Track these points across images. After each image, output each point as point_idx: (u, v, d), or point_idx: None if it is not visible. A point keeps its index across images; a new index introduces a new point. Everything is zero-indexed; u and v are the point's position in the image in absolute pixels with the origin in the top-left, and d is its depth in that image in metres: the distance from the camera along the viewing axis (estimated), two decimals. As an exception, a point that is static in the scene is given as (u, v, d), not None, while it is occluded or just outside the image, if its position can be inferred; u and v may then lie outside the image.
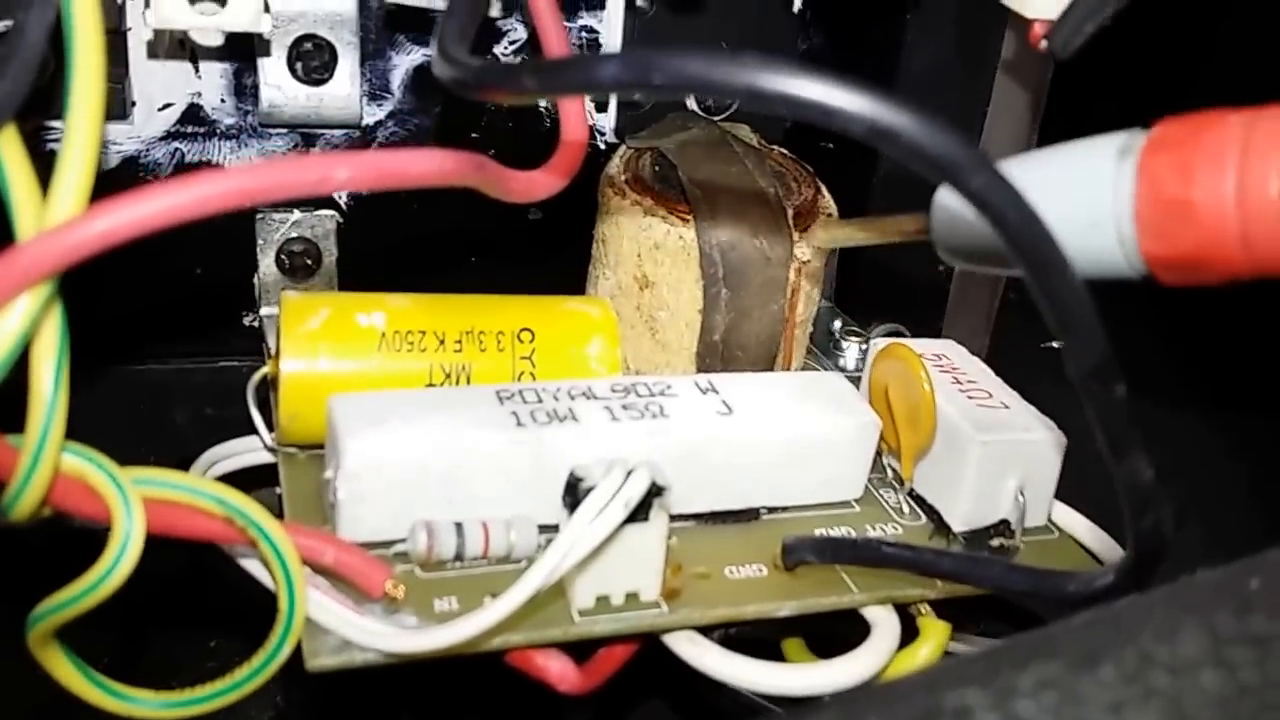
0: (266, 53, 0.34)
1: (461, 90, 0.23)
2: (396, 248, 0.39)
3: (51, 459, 0.23)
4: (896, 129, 0.17)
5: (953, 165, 0.17)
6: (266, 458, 0.32)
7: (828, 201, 0.35)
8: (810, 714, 0.18)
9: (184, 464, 0.37)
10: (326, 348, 0.30)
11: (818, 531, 0.30)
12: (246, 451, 0.33)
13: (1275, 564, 0.19)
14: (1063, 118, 0.41)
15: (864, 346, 0.37)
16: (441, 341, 0.31)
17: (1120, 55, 0.32)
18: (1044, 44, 0.25)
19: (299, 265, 0.38)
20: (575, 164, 0.28)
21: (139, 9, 0.34)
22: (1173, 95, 0.38)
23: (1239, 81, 0.36)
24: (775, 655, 0.31)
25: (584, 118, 0.28)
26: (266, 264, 0.38)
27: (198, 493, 0.25)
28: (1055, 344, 0.46)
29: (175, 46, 0.35)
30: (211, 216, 0.20)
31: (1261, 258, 0.21)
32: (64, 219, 0.21)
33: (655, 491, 0.26)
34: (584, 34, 0.38)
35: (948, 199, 0.25)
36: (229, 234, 0.37)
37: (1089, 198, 0.22)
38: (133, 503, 0.24)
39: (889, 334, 0.44)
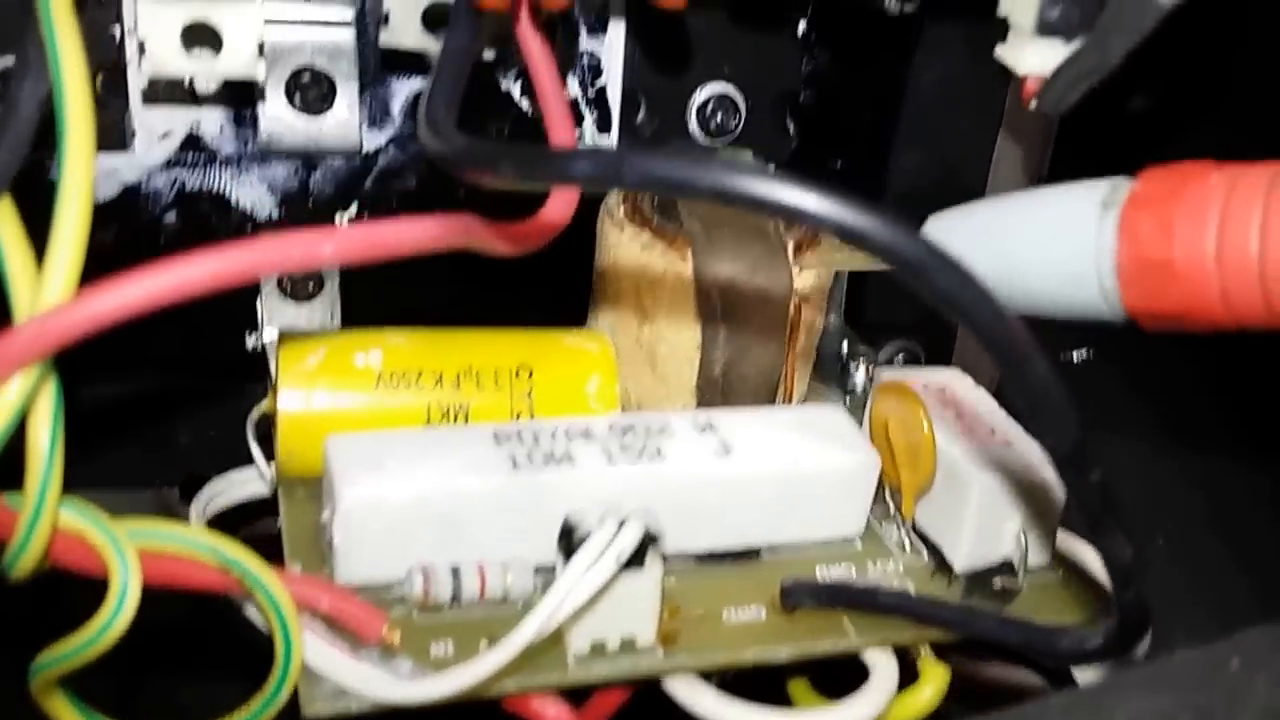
0: (263, 95, 0.34)
1: (446, 167, 0.23)
2: (399, 271, 0.39)
3: (49, 518, 0.23)
4: (863, 231, 0.18)
5: (919, 266, 0.18)
6: (267, 488, 0.33)
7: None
8: None
9: (187, 484, 0.37)
10: (323, 387, 0.30)
11: (817, 571, 0.30)
12: (249, 482, 0.33)
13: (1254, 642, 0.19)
14: (1073, 142, 0.41)
15: (872, 369, 0.36)
16: (439, 380, 0.31)
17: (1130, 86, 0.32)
18: (1034, 104, 0.24)
19: (301, 289, 0.38)
20: (570, 202, 0.28)
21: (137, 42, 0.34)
22: (1177, 133, 0.38)
23: (1246, 122, 0.36)
24: (779, 692, 0.31)
25: (573, 129, 0.28)
26: (269, 288, 0.38)
27: (193, 544, 0.26)
28: (1074, 356, 0.46)
29: (174, 87, 0.35)
30: (197, 299, 0.20)
31: (1243, 314, 0.21)
32: (55, 302, 0.21)
33: (649, 540, 0.26)
34: (586, 59, 0.38)
35: (938, 234, 0.25)
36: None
37: (1072, 250, 0.22)
38: (128, 556, 0.25)
39: (900, 351, 0.44)
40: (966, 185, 0.42)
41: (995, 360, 0.19)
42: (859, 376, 0.37)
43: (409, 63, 0.36)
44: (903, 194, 0.42)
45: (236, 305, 0.38)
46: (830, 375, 0.37)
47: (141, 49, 0.30)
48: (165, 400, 0.40)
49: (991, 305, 0.18)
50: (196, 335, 0.39)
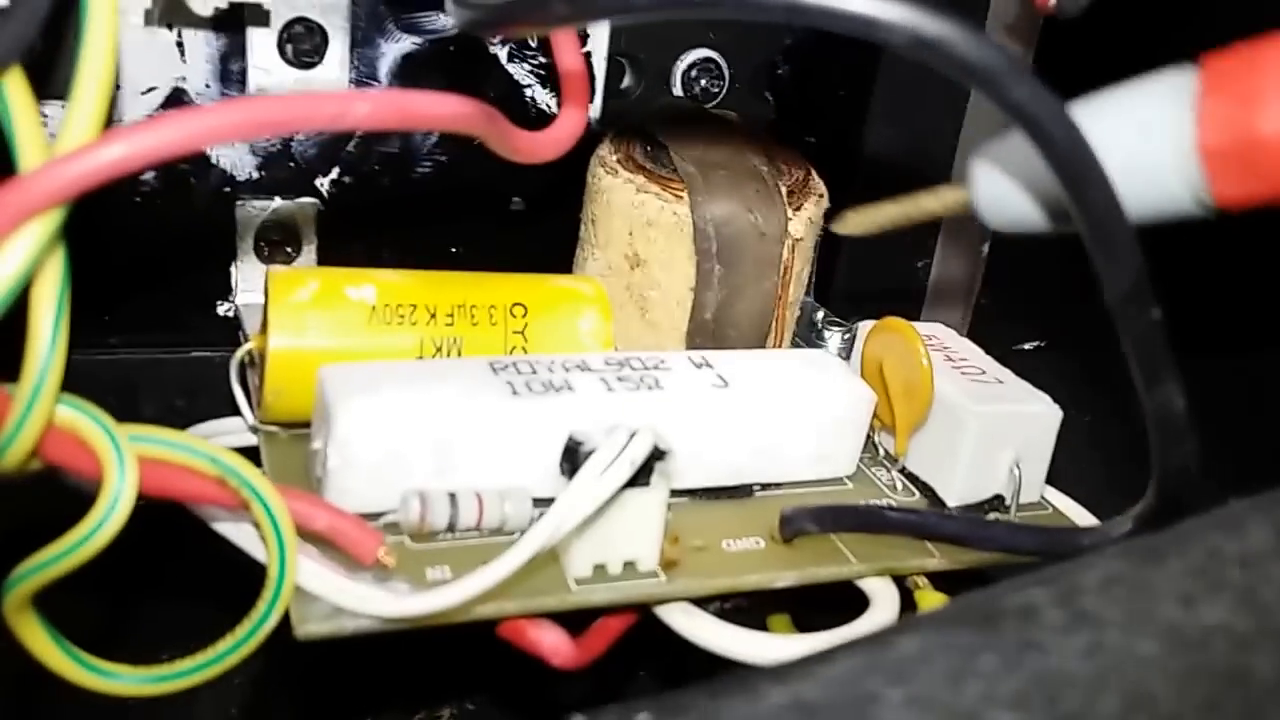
0: (263, 23, 0.34)
1: (480, 29, 0.22)
2: (377, 235, 0.39)
3: (45, 408, 0.22)
4: (938, 39, 0.17)
5: (994, 75, 0.17)
6: (245, 439, 0.32)
7: (818, 182, 0.35)
8: (878, 632, 0.18)
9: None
10: (315, 320, 0.30)
11: (815, 503, 0.30)
12: (225, 434, 0.32)
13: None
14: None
15: (847, 335, 0.37)
16: (432, 315, 0.30)
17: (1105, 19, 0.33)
18: (1051, 3, 0.25)
19: (278, 252, 0.38)
20: (583, 105, 0.28)
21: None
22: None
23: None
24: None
25: (579, 51, 0.28)
26: (245, 251, 0.37)
27: (193, 452, 0.25)
28: (1028, 346, 0.47)
29: (164, 21, 0.35)
30: (227, 142, 0.20)
31: None
32: (77, 145, 0.21)
33: (657, 455, 0.26)
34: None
35: (987, 165, 0.24)
36: (206, 221, 0.37)
37: (1151, 154, 0.21)
38: (126, 458, 0.24)
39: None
40: (936, 160, 0.43)
41: (1062, 183, 0.18)
42: (833, 343, 0.37)
43: (401, 15, 0.36)
44: (874, 167, 0.42)
45: (209, 274, 0.38)
46: (806, 343, 0.38)
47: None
48: (130, 370, 0.39)
49: (1066, 121, 0.17)
50: (166, 303, 0.38)
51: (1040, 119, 0.17)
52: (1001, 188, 0.24)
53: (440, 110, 0.22)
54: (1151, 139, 0.21)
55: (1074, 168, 0.18)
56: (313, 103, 0.21)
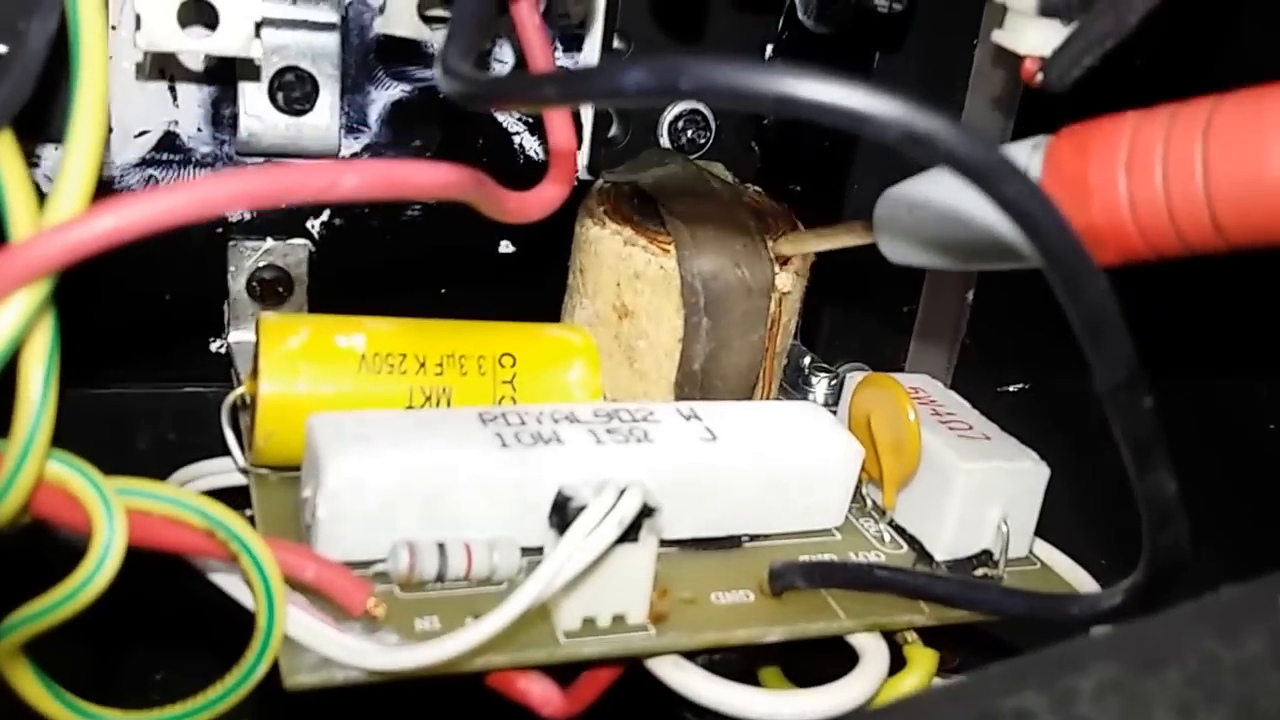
0: (254, 76, 0.34)
1: (470, 103, 0.23)
2: (368, 278, 0.39)
3: (36, 465, 0.23)
4: (931, 136, 0.17)
5: (987, 172, 0.17)
6: (236, 480, 0.32)
7: (805, 236, 0.35)
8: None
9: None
10: (305, 368, 0.30)
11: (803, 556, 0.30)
12: (216, 473, 0.32)
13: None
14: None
15: (834, 382, 0.37)
16: (422, 364, 0.31)
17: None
18: (1039, 78, 0.25)
19: (270, 292, 0.38)
20: (570, 175, 0.28)
21: (120, 36, 0.34)
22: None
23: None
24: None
25: (571, 126, 0.29)
26: (237, 290, 0.38)
27: (180, 504, 0.25)
28: (1013, 388, 0.47)
29: (156, 72, 0.35)
30: (220, 215, 0.20)
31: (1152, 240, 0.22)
32: (67, 216, 0.21)
33: (646, 512, 0.26)
34: (562, 73, 0.38)
35: (891, 206, 0.25)
36: (200, 259, 0.37)
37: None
38: (115, 512, 0.24)
39: (853, 371, 0.45)
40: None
41: (1053, 277, 0.18)
42: (820, 390, 0.38)
43: (392, 65, 0.37)
44: (858, 217, 0.43)
45: (202, 311, 0.38)
46: (793, 388, 0.38)
47: (138, 22, 0.29)
48: (125, 404, 0.39)
49: (1056, 218, 0.17)
50: (160, 339, 0.39)
51: (1033, 216, 0.18)
52: (900, 227, 0.25)
53: (429, 179, 0.23)
54: None
55: (1066, 263, 0.18)
56: (302, 175, 0.21)
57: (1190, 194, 0.21)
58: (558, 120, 0.28)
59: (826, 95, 0.17)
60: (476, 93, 0.22)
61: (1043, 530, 0.32)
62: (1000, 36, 0.26)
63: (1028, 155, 0.23)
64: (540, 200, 0.27)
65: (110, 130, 0.35)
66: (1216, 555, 0.26)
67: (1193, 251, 0.22)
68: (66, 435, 0.37)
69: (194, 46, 0.30)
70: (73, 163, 0.21)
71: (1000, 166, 0.17)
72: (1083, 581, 0.32)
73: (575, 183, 0.29)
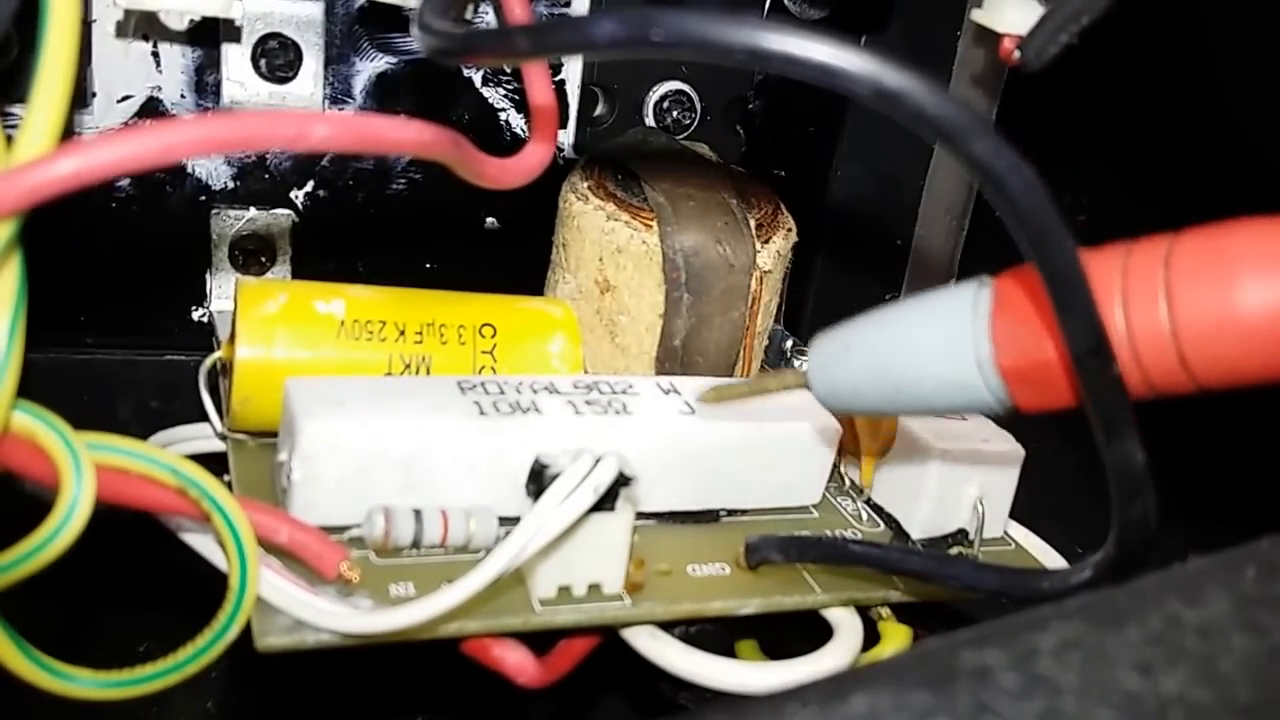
0: (236, 39, 0.34)
1: (446, 57, 0.22)
2: (352, 250, 0.39)
3: (1, 415, 0.22)
4: (900, 92, 0.17)
5: (956, 130, 0.17)
6: (213, 445, 0.31)
7: (787, 217, 0.35)
8: (832, 681, 0.18)
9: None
10: (283, 333, 0.30)
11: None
12: (193, 439, 0.32)
13: (1267, 553, 0.19)
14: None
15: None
16: (401, 332, 0.30)
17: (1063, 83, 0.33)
18: (1016, 55, 0.25)
19: (253, 262, 0.38)
20: (552, 134, 0.28)
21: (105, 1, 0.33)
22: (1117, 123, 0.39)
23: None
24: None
25: (550, 83, 0.28)
26: (220, 259, 0.37)
27: (152, 461, 0.25)
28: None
29: (139, 34, 0.35)
30: (186, 159, 0.20)
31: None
32: (33, 157, 0.21)
33: (623, 481, 0.26)
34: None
35: (821, 354, 0.25)
36: (183, 228, 0.37)
37: (954, 365, 0.22)
38: (84, 466, 0.23)
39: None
40: (902, 198, 0.43)
41: (1022, 236, 0.18)
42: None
43: (376, 34, 0.37)
44: (841, 204, 0.43)
45: (185, 279, 0.38)
46: (774, 369, 0.38)
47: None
48: (106, 371, 0.38)
49: (1025, 176, 0.17)
50: (142, 307, 0.38)
51: (1001, 174, 0.17)
52: (834, 377, 0.25)
53: (402, 135, 0.22)
54: (957, 353, 0.22)
55: (1034, 222, 0.18)
56: (271, 122, 0.21)
57: (1155, 334, 0.20)
58: (536, 76, 0.28)
59: (797, 48, 0.17)
60: (451, 47, 0.22)
61: (1017, 513, 0.32)
62: (979, 15, 0.26)
63: (974, 292, 0.22)
64: (523, 166, 0.27)
65: (94, 95, 0.35)
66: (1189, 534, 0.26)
67: (1158, 393, 0.21)
68: (48, 401, 0.37)
69: (174, 5, 0.30)
70: (38, 105, 0.21)
71: (969, 123, 0.17)
72: (1055, 562, 0.32)
73: (557, 145, 0.28)
